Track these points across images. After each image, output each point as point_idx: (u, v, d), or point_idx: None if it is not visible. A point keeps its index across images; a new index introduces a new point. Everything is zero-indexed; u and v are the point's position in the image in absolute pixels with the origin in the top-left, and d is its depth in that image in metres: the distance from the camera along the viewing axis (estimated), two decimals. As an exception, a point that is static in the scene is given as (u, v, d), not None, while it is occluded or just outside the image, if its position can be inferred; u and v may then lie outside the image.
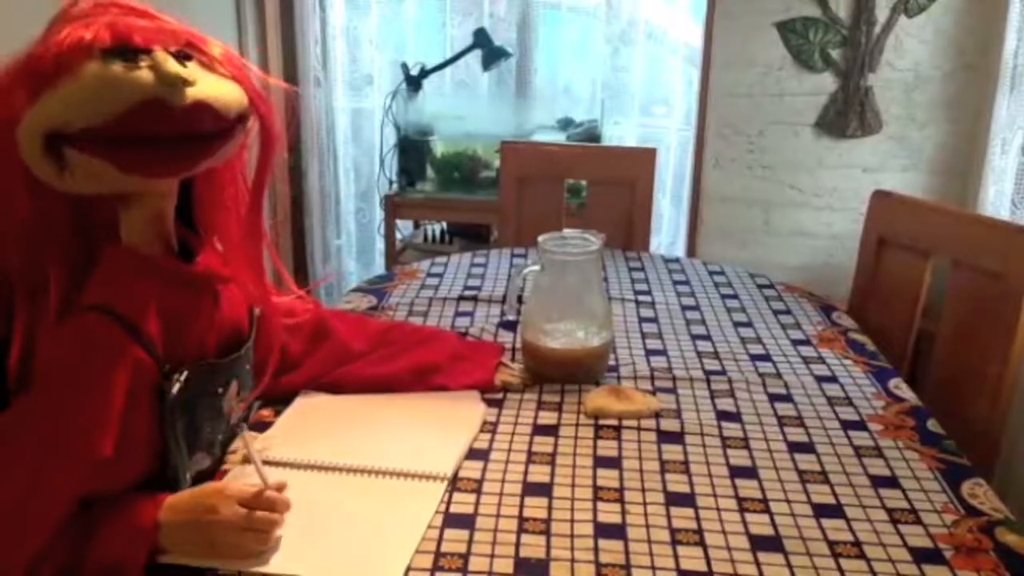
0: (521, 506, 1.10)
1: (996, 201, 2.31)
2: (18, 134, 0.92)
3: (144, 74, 0.92)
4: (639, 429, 1.30)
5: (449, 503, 1.10)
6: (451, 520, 1.07)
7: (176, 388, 1.04)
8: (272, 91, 1.14)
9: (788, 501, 1.13)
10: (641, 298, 1.84)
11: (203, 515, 0.98)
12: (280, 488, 1.05)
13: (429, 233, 3.16)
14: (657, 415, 1.33)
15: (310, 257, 3.21)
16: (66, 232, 1.00)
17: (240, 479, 1.09)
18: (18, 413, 0.95)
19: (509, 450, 1.23)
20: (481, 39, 2.89)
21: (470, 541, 1.03)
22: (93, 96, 0.91)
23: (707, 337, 1.65)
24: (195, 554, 0.98)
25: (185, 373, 1.05)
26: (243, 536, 0.98)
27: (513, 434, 1.27)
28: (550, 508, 1.10)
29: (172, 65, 0.93)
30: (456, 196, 2.96)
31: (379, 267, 3.22)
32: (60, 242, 1.00)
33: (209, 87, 0.96)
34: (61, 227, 1.00)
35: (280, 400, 1.33)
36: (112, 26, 0.93)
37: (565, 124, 2.97)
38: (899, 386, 1.47)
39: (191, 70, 0.95)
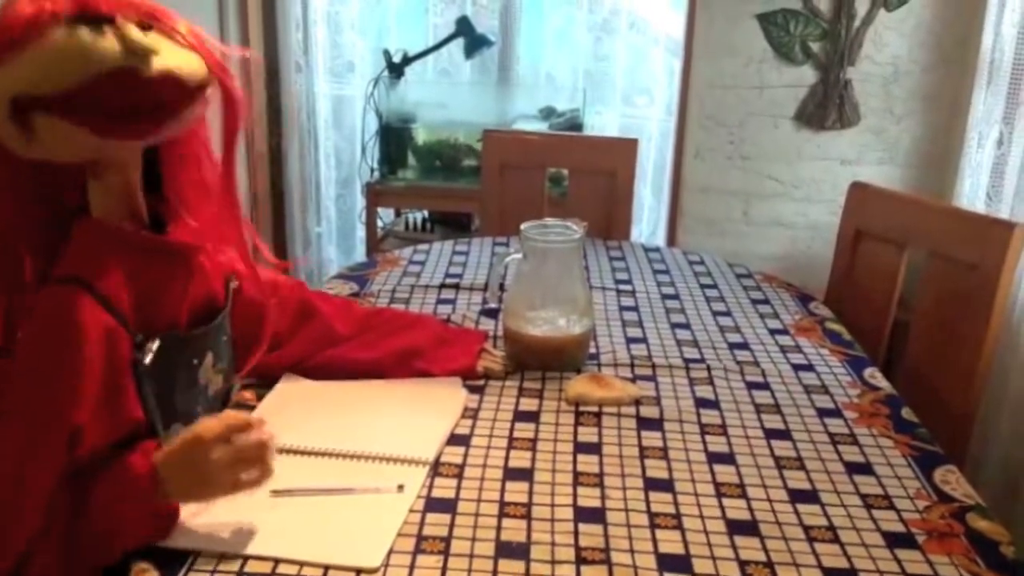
0: (502, 491, 1.11)
1: (971, 194, 2.34)
2: None
3: (110, 43, 0.93)
4: (619, 416, 1.31)
5: (431, 487, 1.11)
6: (433, 504, 1.08)
7: (149, 358, 1.05)
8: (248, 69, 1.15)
9: (765, 487, 1.15)
10: (621, 287, 1.86)
11: (195, 464, 0.98)
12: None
13: (410, 221, 3.15)
14: (637, 402, 1.35)
15: (290, 244, 3.20)
16: (33, 205, 1.01)
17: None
18: (1, 388, 0.96)
19: (490, 436, 1.24)
20: (464, 27, 2.89)
21: (451, 525, 1.04)
22: (60, 61, 0.92)
23: (686, 325, 1.67)
24: (199, 496, 0.99)
25: (157, 343, 1.06)
26: (240, 468, 0.99)
27: (494, 420, 1.29)
28: (531, 493, 1.11)
29: (137, 35, 0.94)
30: (437, 184, 2.96)
31: (360, 255, 3.21)
32: (28, 216, 1.01)
33: (173, 57, 0.97)
34: (27, 198, 1.00)
35: (262, 382, 1.33)
36: None
37: (547, 113, 2.97)
38: (874, 375, 1.50)
39: (152, 39, 0.96)
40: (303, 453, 1.17)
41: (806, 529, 1.06)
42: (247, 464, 0.99)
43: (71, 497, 0.96)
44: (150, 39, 0.95)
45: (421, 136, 3.00)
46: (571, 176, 2.33)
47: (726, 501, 1.11)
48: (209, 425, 0.99)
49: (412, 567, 0.97)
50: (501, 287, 1.63)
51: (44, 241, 1.01)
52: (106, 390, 1.00)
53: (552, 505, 1.09)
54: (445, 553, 0.99)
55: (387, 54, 2.93)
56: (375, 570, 0.96)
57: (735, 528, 1.06)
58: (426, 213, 3.14)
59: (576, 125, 2.86)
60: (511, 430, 1.26)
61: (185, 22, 1.02)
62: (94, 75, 0.93)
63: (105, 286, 1.01)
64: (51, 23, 0.92)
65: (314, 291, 1.51)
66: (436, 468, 1.16)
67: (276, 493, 1.07)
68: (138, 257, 1.06)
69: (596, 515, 1.07)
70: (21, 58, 0.92)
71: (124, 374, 1.03)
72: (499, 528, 1.04)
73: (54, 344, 0.98)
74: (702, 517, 1.08)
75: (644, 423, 1.29)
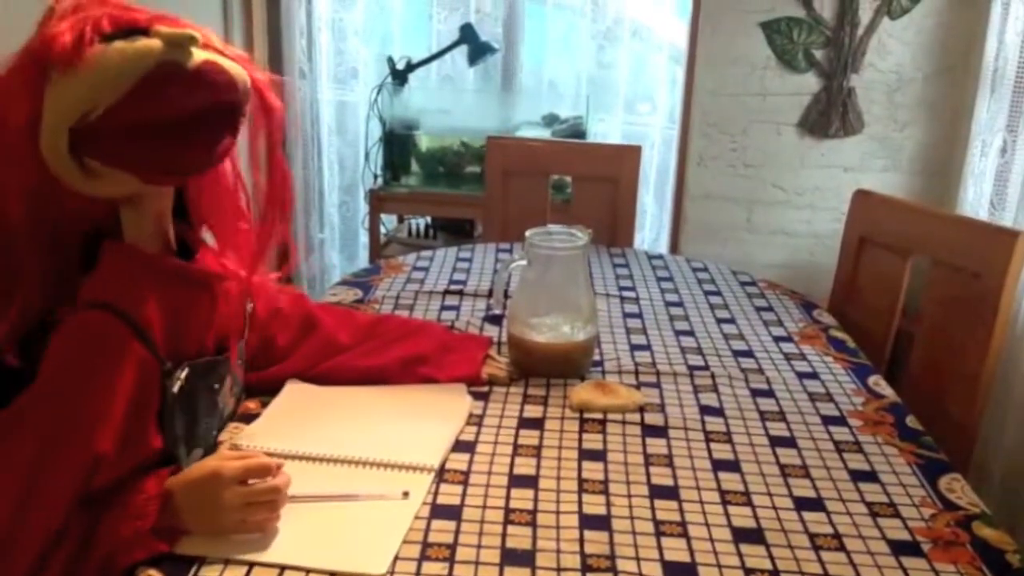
0: (507, 498, 1.11)
1: (975, 202, 2.34)
2: (43, 136, 0.93)
3: (148, 41, 0.93)
4: (623, 423, 1.31)
5: (436, 494, 1.11)
6: (438, 511, 1.08)
7: (177, 386, 1.05)
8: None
9: (770, 494, 1.15)
10: (625, 294, 1.86)
11: (207, 498, 0.99)
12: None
13: (413, 227, 3.16)
14: (641, 409, 1.35)
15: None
16: (64, 228, 1.01)
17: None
18: (22, 408, 0.95)
19: (495, 442, 1.24)
20: (468, 34, 2.89)
21: (457, 532, 1.04)
22: (106, 71, 0.92)
23: (690, 333, 1.66)
24: (205, 529, 0.99)
25: (186, 370, 1.06)
26: (248, 511, 0.99)
27: (499, 427, 1.28)
28: (536, 500, 1.11)
29: (172, 28, 0.94)
30: (441, 191, 2.96)
31: (363, 261, 3.21)
32: (58, 239, 1.00)
33: (214, 56, 0.98)
34: (61, 222, 1.00)
35: (267, 391, 1.33)
36: (111, 16, 0.95)
37: (550, 120, 2.98)
38: (878, 383, 1.49)
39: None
40: (308, 459, 1.17)
41: (811, 537, 1.06)
42: (257, 508, 1.00)
43: (82, 521, 0.96)
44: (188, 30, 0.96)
45: (424, 143, 3.01)
46: (574, 183, 2.33)
47: (731, 509, 1.11)
48: (230, 465, 1.00)
49: (417, 574, 0.97)
50: (505, 294, 1.63)
51: (64, 262, 1.01)
52: (132, 421, 0.99)
53: (557, 512, 1.09)
54: (450, 560, 0.99)
55: (391, 61, 2.93)
56: (380, 577, 0.96)
57: (740, 536, 1.06)
58: (429, 219, 3.14)
59: (579, 132, 2.86)
60: (516, 437, 1.26)
61: (220, 39, 1.02)
62: (139, 77, 0.93)
63: (139, 315, 1.01)
64: (91, 44, 0.93)
65: (315, 303, 1.51)
66: (441, 475, 1.16)
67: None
68: (168, 284, 1.06)
69: (601, 523, 1.07)
70: (68, 82, 0.92)
71: (150, 405, 1.03)
72: (504, 535, 1.04)
73: (86, 371, 0.97)
74: (707, 525, 1.08)
75: (649, 430, 1.29)
